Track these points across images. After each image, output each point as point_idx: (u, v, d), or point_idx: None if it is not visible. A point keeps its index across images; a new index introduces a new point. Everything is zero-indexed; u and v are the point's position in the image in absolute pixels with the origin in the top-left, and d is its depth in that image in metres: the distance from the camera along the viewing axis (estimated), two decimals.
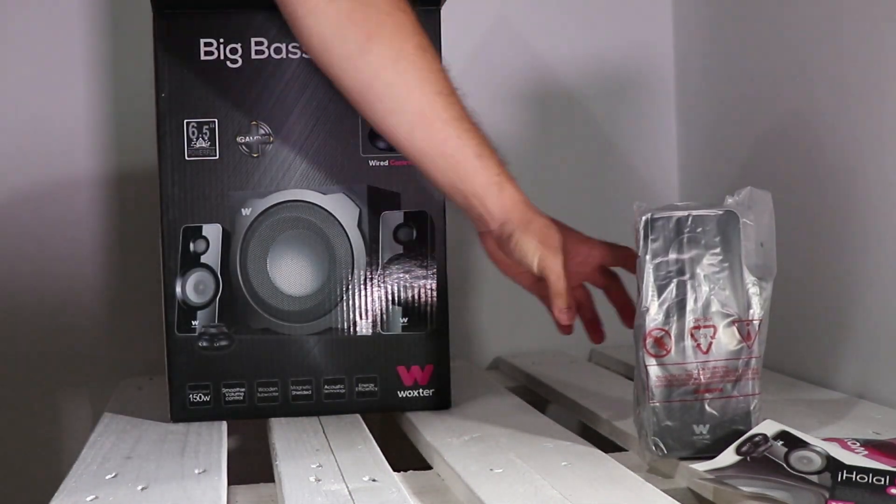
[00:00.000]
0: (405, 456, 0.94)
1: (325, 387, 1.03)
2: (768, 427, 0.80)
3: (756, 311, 0.83)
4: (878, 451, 0.79)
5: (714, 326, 0.83)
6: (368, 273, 1.03)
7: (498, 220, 0.88)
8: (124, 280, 1.36)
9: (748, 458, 0.77)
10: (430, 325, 1.04)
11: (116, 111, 1.35)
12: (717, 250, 0.83)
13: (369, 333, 1.04)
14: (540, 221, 0.89)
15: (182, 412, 1.02)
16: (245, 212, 1.02)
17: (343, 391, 1.03)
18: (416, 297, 1.04)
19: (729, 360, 0.83)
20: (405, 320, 1.04)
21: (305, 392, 1.03)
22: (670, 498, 0.73)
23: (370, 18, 0.87)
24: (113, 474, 0.84)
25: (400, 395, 1.04)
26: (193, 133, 1.02)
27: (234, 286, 1.02)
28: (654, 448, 0.83)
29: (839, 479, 0.71)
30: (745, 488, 0.73)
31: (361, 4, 0.87)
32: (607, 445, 0.92)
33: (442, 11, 1.05)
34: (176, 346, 1.02)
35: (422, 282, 1.04)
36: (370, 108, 0.89)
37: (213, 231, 1.02)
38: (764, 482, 0.73)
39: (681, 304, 0.83)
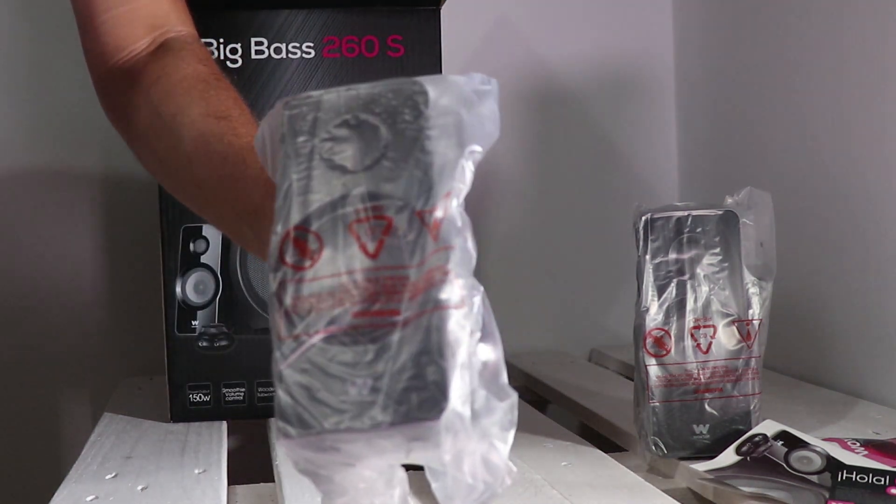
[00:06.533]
0: None
1: None
2: (768, 427, 0.80)
3: (756, 311, 0.83)
4: (878, 451, 0.79)
5: (714, 326, 0.83)
6: None
7: None
8: (124, 280, 1.36)
9: (748, 458, 0.77)
10: None
11: None
12: (717, 250, 0.83)
13: None
14: None
15: (182, 412, 1.02)
16: None
17: None
18: None
19: (729, 359, 0.83)
20: None
21: None
22: (670, 498, 0.73)
23: (166, 65, 0.78)
24: (113, 474, 0.84)
25: None
26: None
27: (234, 286, 1.02)
28: (654, 448, 0.83)
29: (839, 479, 0.71)
30: (745, 488, 0.73)
31: (159, 57, 0.79)
32: (607, 445, 0.92)
33: (442, 11, 1.05)
34: (176, 346, 1.02)
35: None
36: (151, 154, 0.78)
37: (213, 231, 1.02)
38: (764, 482, 0.73)
39: (681, 304, 0.83)
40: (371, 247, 0.50)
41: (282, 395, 0.48)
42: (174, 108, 0.75)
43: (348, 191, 0.51)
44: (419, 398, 0.48)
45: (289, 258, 0.50)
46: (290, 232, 0.50)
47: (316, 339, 0.49)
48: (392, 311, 0.49)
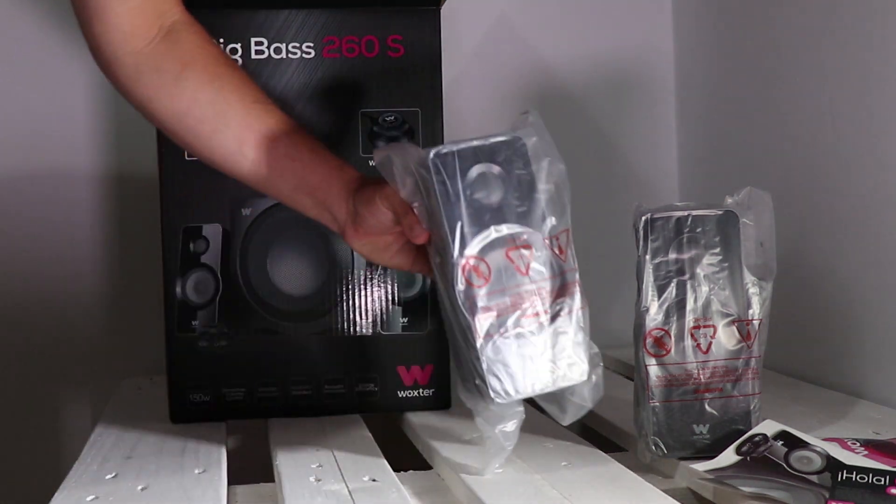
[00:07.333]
0: (405, 456, 0.94)
1: (325, 387, 1.03)
2: (768, 427, 0.80)
3: (756, 311, 0.83)
4: (878, 451, 0.79)
5: (714, 326, 0.83)
6: (368, 273, 1.04)
7: (346, 201, 0.84)
8: (124, 280, 1.36)
9: (748, 458, 0.77)
10: (430, 325, 1.04)
11: (116, 111, 1.35)
12: (717, 250, 0.83)
13: (369, 333, 1.04)
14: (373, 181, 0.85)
15: (182, 412, 1.02)
16: (245, 212, 1.02)
17: (343, 391, 1.03)
18: (416, 297, 1.04)
19: (729, 359, 0.83)
20: (405, 320, 1.04)
21: (305, 392, 1.03)
22: (670, 498, 0.73)
23: (184, 52, 0.88)
24: (113, 474, 0.84)
25: (400, 395, 1.04)
26: None
27: (234, 286, 1.02)
28: (654, 448, 0.83)
29: (839, 479, 0.71)
30: (745, 488, 0.73)
31: (175, 43, 0.88)
32: (607, 445, 0.92)
33: (442, 11, 1.05)
34: (176, 346, 1.02)
35: (422, 281, 1.04)
36: (194, 136, 0.88)
37: (213, 231, 1.02)
38: (764, 482, 0.73)
39: (680, 304, 0.83)
40: (523, 268, 0.75)
41: (488, 376, 0.75)
42: (211, 94, 0.86)
43: (497, 225, 0.75)
44: (571, 365, 0.77)
45: (473, 280, 0.75)
46: (468, 261, 0.75)
47: (500, 337, 0.75)
48: (545, 311, 0.76)
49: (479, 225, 0.75)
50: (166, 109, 0.87)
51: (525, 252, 0.75)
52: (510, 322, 0.75)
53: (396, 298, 1.04)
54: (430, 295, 1.04)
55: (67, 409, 1.35)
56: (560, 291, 0.76)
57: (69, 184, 1.34)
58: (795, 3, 1.18)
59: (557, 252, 0.76)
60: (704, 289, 0.83)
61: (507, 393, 0.75)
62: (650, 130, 1.48)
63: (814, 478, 0.72)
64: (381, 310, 1.04)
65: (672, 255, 0.83)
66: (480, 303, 0.75)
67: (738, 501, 0.73)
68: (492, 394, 0.75)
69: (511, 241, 0.75)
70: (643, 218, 0.84)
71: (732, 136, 1.35)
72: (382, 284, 1.04)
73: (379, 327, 1.04)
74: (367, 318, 1.04)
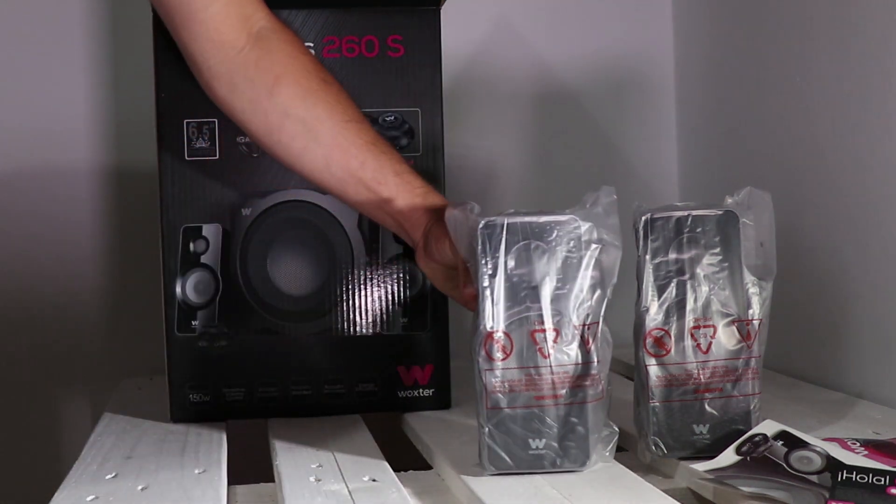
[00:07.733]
0: (405, 456, 0.94)
1: (325, 387, 1.03)
2: (768, 427, 0.80)
3: (756, 311, 0.83)
4: (878, 451, 0.79)
5: (714, 326, 0.83)
6: (368, 273, 1.04)
7: (422, 229, 0.88)
8: (124, 280, 1.36)
9: (748, 458, 0.77)
10: (430, 325, 1.04)
11: (116, 111, 1.35)
12: (717, 250, 0.83)
13: (369, 333, 1.04)
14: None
15: (182, 412, 1.02)
16: (245, 212, 1.02)
17: (343, 391, 1.04)
18: (416, 297, 1.04)
19: (729, 359, 0.83)
20: (405, 320, 1.04)
21: (305, 392, 1.03)
22: (670, 498, 0.73)
23: (276, 63, 0.89)
24: (113, 474, 0.84)
25: (400, 395, 1.04)
26: (193, 133, 1.02)
27: (234, 286, 1.02)
28: (654, 448, 0.83)
29: (839, 479, 0.71)
30: (745, 488, 0.73)
31: (267, 52, 0.89)
32: None
33: (442, 11, 1.05)
34: (176, 346, 1.02)
35: (422, 282, 1.04)
36: (285, 150, 0.90)
37: (213, 231, 1.02)
38: (764, 482, 0.73)
39: (680, 304, 0.83)
40: (546, 351, 0.77)
41: (489, 444, 0.78)
42: (302, 111, 0.88)
43: (530, 304, 0.77)
44: (574, 454, 0.78)
45: (493, 354, 0.77)
46: (493, 333, 0.77)
47: (508, 411, 0.77)
48: (558, 396, 0.77)
49: (513, 301, 0.77)
50: (260, 123, 0.89)
51: (551, 335, 0.77)
52: (521, 400, 0.77)
53: (396, 298, 1.04)
54: (431, 295, 1.04)
55: (67, 409, 1.35)
56: (578, 380, 0.77)
57: (69, 183, 1.34)
58: (795, 4, 1.18)
59: (584, 342, 0.78)
60: (704, 289, 0.83)
61: (501, 466, 0.78)
62: (650, 130, 1.48)
63: (814, 478, 0.72)
64: (381, 310, 1.04)
65: (672, 255, 0.83)
66: (495, 376, 0.77)
67: (738, 501, 0.73)
68: (487, 462, 0.78)
69: (540, 322, 0.77)
70: (643, 218, 0.84)
71: (732, 136, 1.35)
72: (382, 284, 1.04)
73: (379, 327, 1.04)
74: (367, 318, 1.04)
